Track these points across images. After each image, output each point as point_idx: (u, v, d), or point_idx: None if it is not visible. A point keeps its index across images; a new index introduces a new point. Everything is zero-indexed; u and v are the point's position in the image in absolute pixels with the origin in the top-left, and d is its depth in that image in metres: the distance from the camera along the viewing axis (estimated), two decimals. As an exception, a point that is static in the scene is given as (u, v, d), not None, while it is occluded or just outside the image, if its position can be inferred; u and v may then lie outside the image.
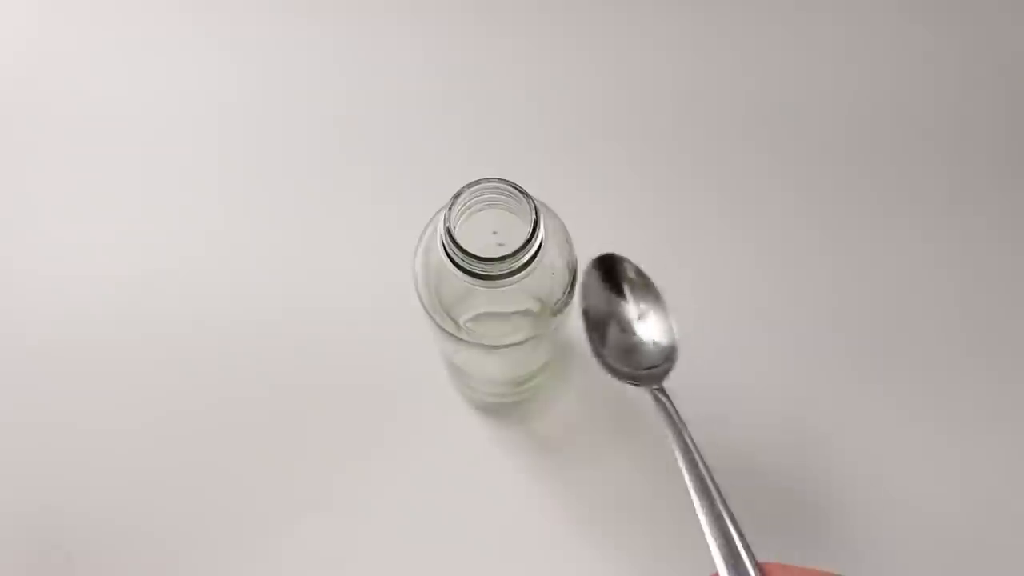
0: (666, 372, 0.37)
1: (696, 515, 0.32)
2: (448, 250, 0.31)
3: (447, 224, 0.31)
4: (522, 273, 0.31)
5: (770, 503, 0.42)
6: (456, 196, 0.31)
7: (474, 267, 0.31)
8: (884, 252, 0.48)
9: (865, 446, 0.44)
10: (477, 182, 0.32)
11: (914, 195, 0.49)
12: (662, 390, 0.36)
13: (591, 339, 0.37)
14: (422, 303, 0.35)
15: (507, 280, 0.31)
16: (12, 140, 0.51)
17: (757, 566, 0.30)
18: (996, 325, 0.46)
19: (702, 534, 0.43)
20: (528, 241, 0.31)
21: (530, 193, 0.31)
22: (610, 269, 0.38)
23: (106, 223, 0.49)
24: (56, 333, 0.47)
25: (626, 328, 0.38)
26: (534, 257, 0.31)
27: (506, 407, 0.45)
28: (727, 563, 0.30)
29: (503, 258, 0.30)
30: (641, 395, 0.46)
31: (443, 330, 0.35)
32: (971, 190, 0.49)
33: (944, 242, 0.48)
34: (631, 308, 0.38)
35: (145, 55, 0.53)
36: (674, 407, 0.35)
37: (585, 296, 0.38)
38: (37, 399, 0.46)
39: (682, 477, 0.32)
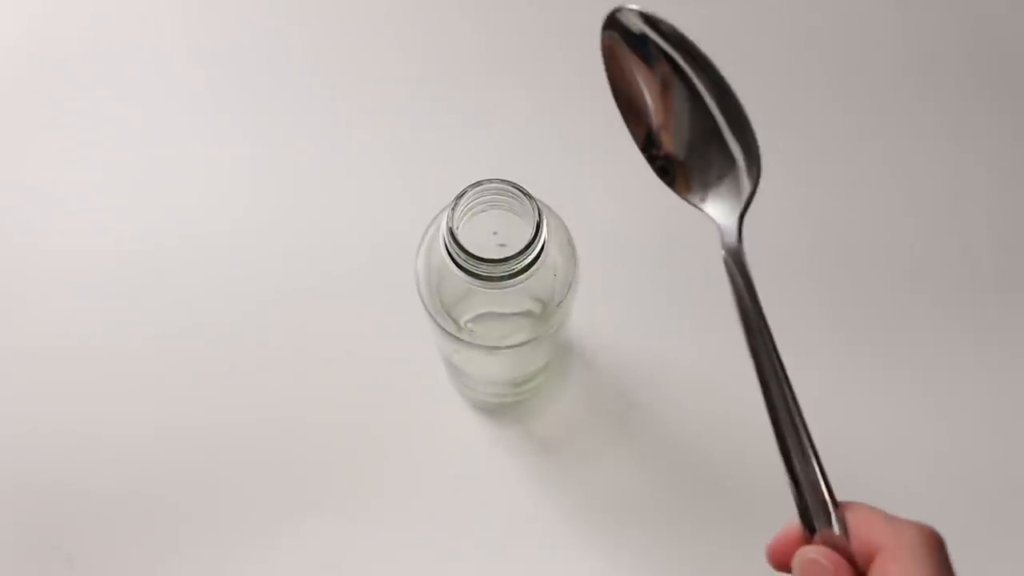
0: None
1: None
2: (450, 250, 0.31)
3: (450, 224, 0.31)
4: (525, 275, 0.31)
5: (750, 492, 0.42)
6: (459, 196, 0.31)
7: (476, 268, 0.31)
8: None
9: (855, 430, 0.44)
10: (480, 183, 0.32)
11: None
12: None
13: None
14: (423, 303, 0.35)
15: (509, 282, 0.31)
16: (7, 131, 0.51)
17: (832, 497, 0.26)
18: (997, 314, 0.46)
19: (702, 533, 0.43)
20: (531, 242, 0.31)
21: (532, 194, 0.31)
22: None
23: (103, 222, 0.49)
24: (55, 333, 0.47)
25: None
26: (537, 258, 0.31)
27: (506, 407, 0.45)
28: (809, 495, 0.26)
29: (506, 259, 0.30)
30: (639, 394, 0.46)
31: (443, 330, 0.35)
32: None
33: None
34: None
35: (148, 48, 0.52)
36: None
37: None
38: (37, 399, 0.46)
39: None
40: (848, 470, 0.44)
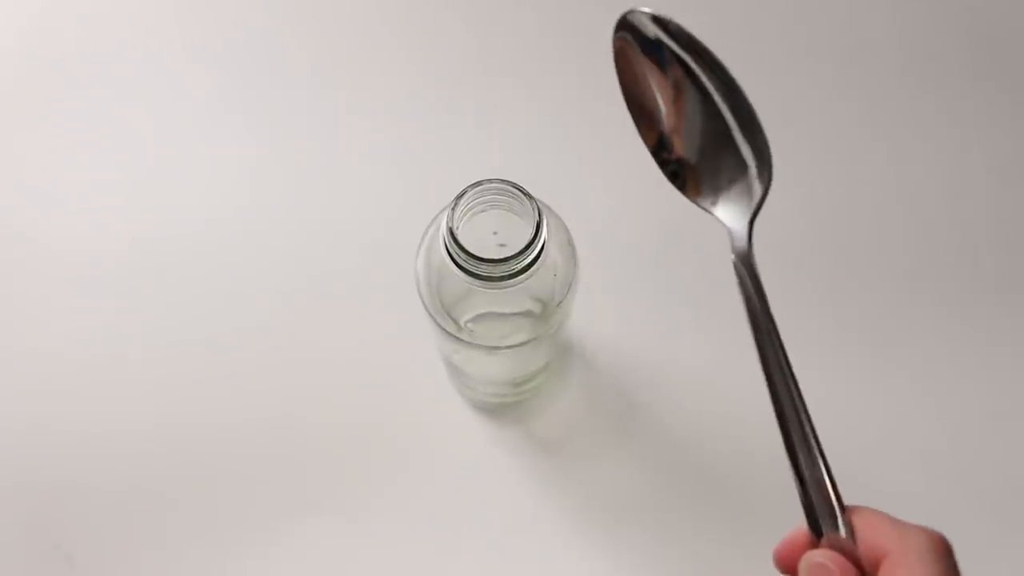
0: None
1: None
2: (450, 250, 0.31)
3: (450, 224, 0.31)
4: (525, 275, 0.31)
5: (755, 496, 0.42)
6: (459, 196, 0.31)
7: (476, 268, 0.31)
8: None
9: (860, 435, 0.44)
10: (480, 183, 0.32)
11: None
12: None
13: None
14: (423, 303, 0.35)
15: (509, 282, 0.31)
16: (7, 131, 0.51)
17: (843, 508, 0.26)
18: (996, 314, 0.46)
19: (702, 533, 0.43)
20: (531, 242, 0.30)
21: (532, 194, 0.31)
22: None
23: (103, 222, 0.49)
24: (55, 333, 0.47)
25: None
26: (537, 258, 0.31)
27: (506, 407, 0.45)
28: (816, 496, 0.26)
29: (506, 259, 0.30)
30: (639, 394, 0.46)
31: (443, 330, 0.35)
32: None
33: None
34: None
35: (152, 36, 0.52)
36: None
37: None
38: (37, 399, 0.46)
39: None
40: (848, 470, 0.44)
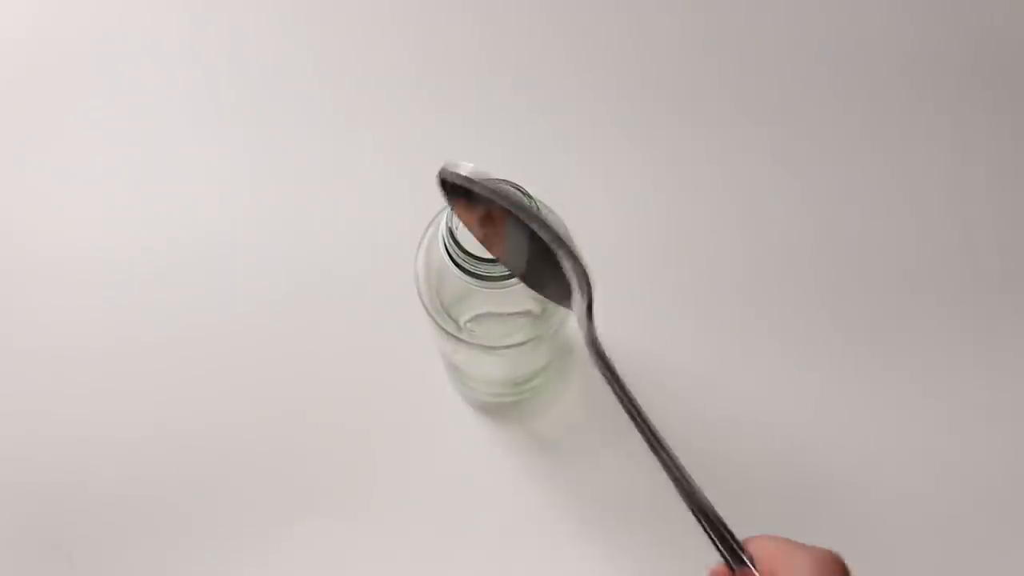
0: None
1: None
2: (450, 251, 0.31)
3: (449, 224, 0.31)
4: (524, 274, 0.31)
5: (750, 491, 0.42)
6: (459, 196, 0.31)
7: (476, 268, 0.31)
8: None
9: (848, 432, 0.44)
10: (479, 183, 0.32)
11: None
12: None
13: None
14: (423, 303, 0.35)
15: (509, 282, 0.31)
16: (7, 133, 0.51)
17: (735, 541, 0.29)
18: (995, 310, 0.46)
19: (702, 533, 0.43)
20: (531, 242, 0.30)
21: (532, 194, 0.31)
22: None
23: (104, 224, 0.49)
24: (56, 334, 0.47)
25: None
26: (536, 258, 0.31)
27: (506, 407, 0.45)
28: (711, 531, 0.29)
29: (505, 259, 0.30)
30: (640, 394, 0.46)
31: (443, 330, 0.35)
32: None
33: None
34: None
35: (149, 35, 0.52)
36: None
37: None
38: (37, 399, 0.46)
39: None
40: (849, 470, 0.44)
